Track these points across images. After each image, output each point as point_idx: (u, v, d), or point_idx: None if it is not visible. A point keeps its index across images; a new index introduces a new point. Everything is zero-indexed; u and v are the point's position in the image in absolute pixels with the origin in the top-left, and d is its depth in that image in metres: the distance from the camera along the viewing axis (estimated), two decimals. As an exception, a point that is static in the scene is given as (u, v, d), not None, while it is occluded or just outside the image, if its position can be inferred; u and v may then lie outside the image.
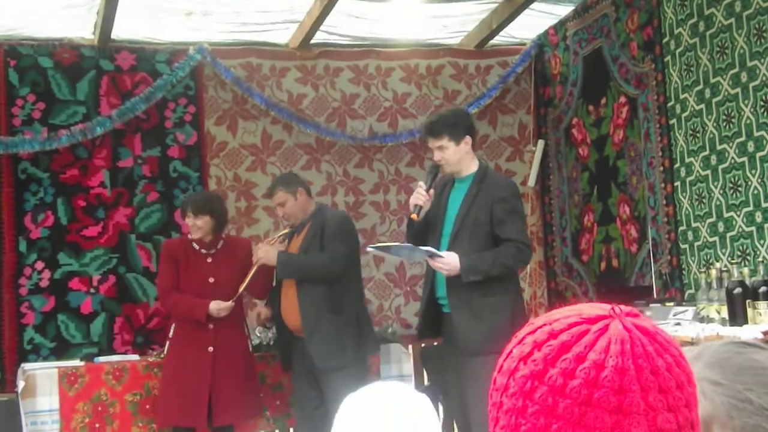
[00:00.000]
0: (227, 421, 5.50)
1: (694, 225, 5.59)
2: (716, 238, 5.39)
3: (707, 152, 5.45)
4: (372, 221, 7.05)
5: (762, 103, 4.97)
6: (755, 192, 5.06)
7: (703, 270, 5.00)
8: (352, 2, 6.39)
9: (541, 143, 7.31)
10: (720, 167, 5.34)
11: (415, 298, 7.02)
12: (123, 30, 6.42)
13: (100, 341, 6.35)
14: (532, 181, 7.31)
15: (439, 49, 7.36)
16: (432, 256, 4.61)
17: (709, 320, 4.52)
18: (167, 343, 5.64)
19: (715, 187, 5.38)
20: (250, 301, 6.15)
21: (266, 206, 6.79)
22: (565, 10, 6.92)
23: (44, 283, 6.28)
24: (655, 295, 5.72)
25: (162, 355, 5.73)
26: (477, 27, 7.12)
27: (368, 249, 5.03)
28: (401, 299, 7.08)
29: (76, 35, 6.50)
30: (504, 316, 4.60)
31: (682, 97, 5.66)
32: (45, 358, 6.14)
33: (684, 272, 5.69)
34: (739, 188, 5.18)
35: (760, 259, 4.86)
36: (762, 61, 4.97)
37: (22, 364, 5.80)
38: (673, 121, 5.75)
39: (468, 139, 4.79)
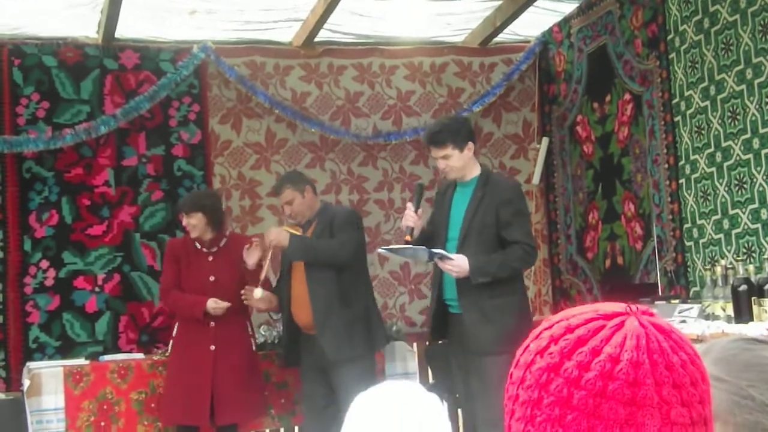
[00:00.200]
0: (230, 419, 5.49)
1: (699, 222, 5.58)
2: (721, 236, 5.38)
3: (712, 149, 5.44)
4: (376, 219, 7.05)
5: (767, 100, 4.96)
6: (760, 189, 5.05)
7: (708, 267, 4.99)
8: (356, 0, 6.39)
9: (545, 141, 7.30)
10: (725, 164, 5.32)
11: (419, 297, 7.03)
12: (127, 29, 6.42)
13: (105, 340, 6.36)
14: (536, 179, 7.30)
15: (443, 47, 7.35)
16: (442, 258, 4.71)
17: (715, 317, 4.51)
18: (171, 341, 5.66)
19: (720, 184, 5.37)
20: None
21: (270, 205, 6.80)
22: (569, 7, 6.90)
23: (49, 282, 6.29)
24: (660, 293, 5.71)
25: (167, 354, 5.74)
26: (481, 24, 7.11)
27: (379, 251, 5.08)
28: (405, 297, 7.07)
29: (80, 34, 6.50)
30: (512, 317, 4.71)
31: (687, 94, 5.65)
32: (50, 357, 6.15)
33: (689, 269, 5.68)
34: (745, 185, 5.17)
35: (766, 256, 4.84)
36: (767, 57, 4.96)
37: (28, 363, 5.80)
38: (678, 118, 5.73)
39: (471, 145, 4.89)
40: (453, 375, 5.07)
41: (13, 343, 6.18)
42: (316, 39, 6.88)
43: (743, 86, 5.14)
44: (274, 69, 6.94)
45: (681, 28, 5.68)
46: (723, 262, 4.91)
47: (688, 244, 5.69)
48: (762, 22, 4.99)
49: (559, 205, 7.25)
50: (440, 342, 6.61)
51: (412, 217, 4.85)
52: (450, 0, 6.52)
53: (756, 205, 5.09)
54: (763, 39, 4.98)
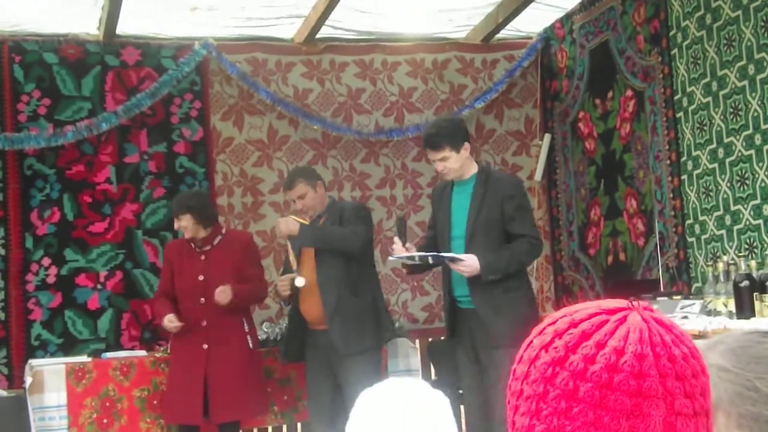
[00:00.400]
0: (225, 418, 5.47)
1: (701, 218, 5.58)
2: (723, 231, 5.37)
3: (714, 145, 5.43)
4: (378, 216, 7.04)
5: (769, 96, 4.96)
6: (762, 185, 5.04)
7: (710, 263, 4.99)
8: (357, -4, 6.40)
9: (547, 137, 7.30)
10: (727, 160, 5.32)
11: (422, 293, 7.03)
12: (128, 25, 6.42)
13: (108, 337, 6.36)
14: (538, 176, 7.29)
15: (445, 43, 7.34)
16: (453, 260, 4.81)
17: (717, 313, 4.51)
18: (170, 340, 5.69)
19: (722, 180, 5.36)
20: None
21: (272, 202, 6.80)
22: (571, 3, 6.90)
23: (51, 279, 6.29)
24: (662, 289, 5.70)
25: (168, 351, 5.75)
26: (483, 21, 7.10)
27: (390, 259, 5.11)
28: (408, 294, 7.07)
29: (81, 31, 6.49)
30: (523, 309, 4.86)
31: (689, 90, 5.64)
32: (52, 354, 6.16)
33: (691, 265, 5.67)
34: (747, 181, 5.16)
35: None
36: (769, 53, 4.96)
37: (30, 360, 5.81)
38: (680, 114, 5.73)
39: (467, 145, 4.96)
40: (460, 370, 5.12)
41: (15, 341, 6.18)
42: (318, 35, 6.87)
43: (745, 82, 5.13)
44: (276, 66, 6.93)
45: (683, 24, 5.67)
46: (725, 258, 4.90)
47: (690, 240, 5.68)
48: (764, 18, 4.98)
49: (561, 202, 7.25)
50: (442, 338, 6.64)
51: (403, 251, 4.97)
52: (451, -4, 6.52)
53: (758, 201, 5.08)
54: (766, 35, 4.98)
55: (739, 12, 5.16)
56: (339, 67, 7.09)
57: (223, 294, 5.36)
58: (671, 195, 5.83)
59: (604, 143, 6.58)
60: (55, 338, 6.26)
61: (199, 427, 5.55)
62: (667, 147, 5.86)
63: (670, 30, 5.80)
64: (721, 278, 4.61)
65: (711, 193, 5.48)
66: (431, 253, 4.93)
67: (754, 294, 4.31)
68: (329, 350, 5.30)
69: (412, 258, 5.01)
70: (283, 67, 6.95)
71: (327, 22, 6.60)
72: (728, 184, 5.32)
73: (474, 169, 5.02)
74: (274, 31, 6.85)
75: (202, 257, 5.59)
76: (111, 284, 6.41)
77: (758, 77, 5.03)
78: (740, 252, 5.07)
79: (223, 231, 5.73)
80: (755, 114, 5.07)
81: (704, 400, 1.08)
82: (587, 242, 6.86)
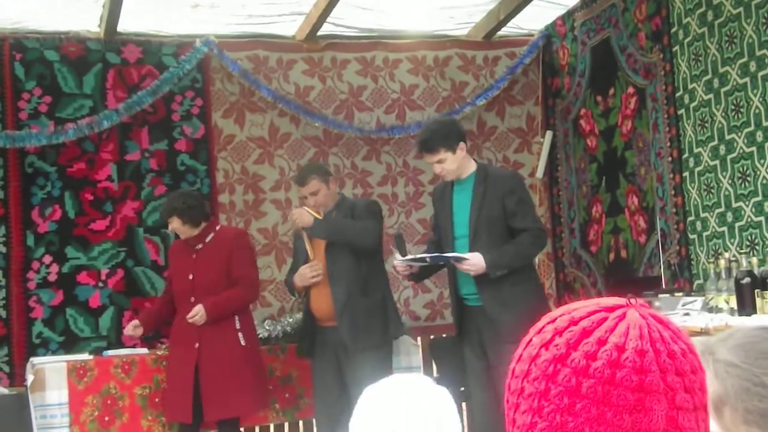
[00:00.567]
0: (217, 416, 5.42)
1: (702, 215, 5.57)
2: (725, 228, 5.37)
3: (716, 142, 5.42)
4: (380, 214, 7.04)
5: (771, 93, 4.95)
6: (764, 182, 5.04)
7: (711, 260, 4.99)
8: (359, -6, 6.39)
9: (549, 134, 7.30)
10: (728, 157, 5.31)
11: (423, 291, 7.03)
12: (129, 23, 6.41)
13: (109, 335, 6.36)
14: (540, 173, 7.29)
15: (447, 41, 7.34)
16: (458, 260, 4.85)
17: (718, 310, 4.50)
18: (169, 338, 5.73)
19: (724, 177, 5.36)
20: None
21: (274, 199, 6.80)
22: (572, 0, 6.89)
23: (52, 277, 6.29)
24: (663, 286, 5.70)
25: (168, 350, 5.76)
26: (484, 18, 7.09)
27: (395, 263, 5.12)
28: (409, 291, 7.06)
29: (82, 28, 6.49)
30: (531, 303, 4.86)
31: (690, 87, 5.63)
32: (54, 352, 6.16)
33: (693, 262, 5.67)
34: (748, 178, 5.16)
35: (770, 249, 4.84)
36: (771, 49, 4.95)
37: (31, 358, 5.80)
38: (682, 111, 5.72)
39: (462, 144, 4.98)
40: (467, 368, 5.13)
41: (16, 339, 6.18)
42: (319, 33, 6.87)
43: (747, 79, 5.13)
44: (277, 63, 6.93)
45: (685, 21, 5.67)
46: (726, 254, 4.90)
47: (691, 237, 5.68)
48: (766, 15, 4.98)
49: (562, 199, 7.24)
50: (443, 335, 6.64)
51: (406, 268, 5.07)
52: (453, -7, 6.52)
53: (759, 198, 5.08)
54: (767, 31, 4.97)
55: (741, 9, 5.16)
56: (340, 64, 7.09)
57: (197, 317, 5.35)
58: (673, 192, 5.83)
59: (605, 140, 6.58)
60: (57, 336, 6.26)
61: (199, 426, 5.55)
62: (668, 144, 5.85)
63: (671, 27, 5.80)
64: (723, 275, 4.61)
65: (712, 190, 5.47)
66: (434, 254, 4.98)
67: (756, 291, 4.31)
68: (337, 347, 5.32)
69: (417, 260, 5.03)
70: (285, 64, 6.95)
71: (328, 20, 6.60)
72: (730, 181, 5.31)
73: (472, 167, 5.04)
74: (275, 28, 6.84)
75: (194, 256, 5.56)
76: (112, 282, 6.42)
77: (760, 74, 5.03)
78: (741, 249, 5.07)
79: (217, 228, 5.66)
80: (757, 111, 5.06)
81: (702, 395, 1.09)
82: (589, 239, 6.86)
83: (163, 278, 6.28)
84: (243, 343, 5.47)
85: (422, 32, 7.22)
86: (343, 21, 6.81)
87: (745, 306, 4.32)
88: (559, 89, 7.23)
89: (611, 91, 6.47)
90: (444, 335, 6.77)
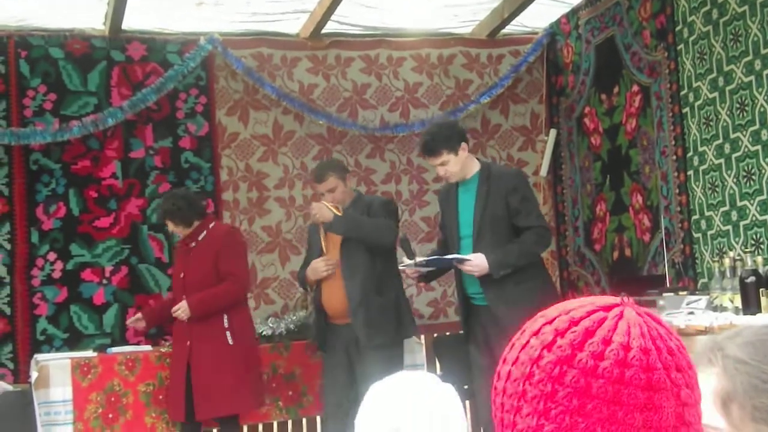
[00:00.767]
0: (204, 415, 5.43)
1: (707, 214, 5.57)
2: (729, 227, 5.37)
3: (720, 141, 5.42)
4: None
5: (776, 91, 4.95)
6: (769, 180, 5.03)
7: (716, 259, 4.98)
8: (363, -8, 6.39)
9: (553, 132, 7.29)
10: (733, 156, 5.31)
11: (427, 289, 7.02)
12: (133, 20, 6.42)
13: (113, 332, 6.37)
14: (544, 171, 7.29)
15: (451, 39, 7.33)
16: (461, 262, 4.87)
17: (723, 309, 4.50)
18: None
19: (729, 176, 5.35)
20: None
21: (278, 197, 6.80)
22: (577, -2, 6.89)
23: (57, 274, 6.29)
24: (668, 284, 5.70)
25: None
26: (488, 16, 7.09)
27: (400, 267, 5.14)
28: (413, 289, 7.06)
29: (86, 26, 6.49)
30: (536, 300, 4.79)
31: (695, 85, 5.63)
32: (58, 349, 6.16)
33: (697, 261, 5.67)
34: (753, 177, 5.15)
35: (774, 247, 4.84)
36: (776, 48, 4.94)
37: (36, 355, 5.81)
38: (686, 109, 5.72)
39: (464, 145, 5.01)
40: (472, 366, 5.15)
41: (20, 336, 6.19)
42: (324, 31, 6.87)
43: (752, 77, 5.12)
44: (282, 61, 6.93)
45: (689, 19, 5.66)
46: (731, 253, 4.89)
47: (696, 235, 5.67)
48: (771, 13, 4.97)
49: (566, 197, 7.24)
50: (447, 333, 6.65)
51: (414, 271, 5.13)
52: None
53: (764, 197, 5.07)
54: (772, 29, 4.96)
55: (746, 7, 5.15)
56: (344, 62, 7.08)
57: (180, 312, 5.42)
58: (677, 190, 5.82)
59: (609, 139, 6.57)
60: (61, 333, 6.26)
61: (200, 423, 5.56)
62: (673, 142, 5.85)
63: (676, 25, 5.79)
64: (727, 274, 4.60)
65: (717, 189, 5.46)
66: (435, 258, 5.01)
67: (761, 290, 4.31)
68: (349, 344, 5.35)
69: (421, 264, 5.04)
70: (289, 62, 6.95)
71: (332, 17, 6.60)
72: (734, 180, 5.31)
73: (476, 167, 5.06)
74: (279, 26, 6.84)
75: (187, 254, 5.63)
76: (116, 279, 6.42)
77: (765, 72, 5.02)
78: (746, 248, 5.06)
79: (211, 226, 5.67)
80: (762, 109, 5.06)
81: (698, 391, 1.10)
82: (593, 238, 6.86)
83: (168, 275, 6.35)
84: (230, 342, 5.46)
85: (426, 30, 7.22)
86: (347, 19, 6.81)
87: (750, 305, 4.32)
88: (564, 87, 7.22)
89: (615, 90, 6.47)
90: (447, 333, 6.78)
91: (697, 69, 5.60)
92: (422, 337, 6.53)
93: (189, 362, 5.42)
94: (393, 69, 7.18)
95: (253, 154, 6.82)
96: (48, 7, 6.12)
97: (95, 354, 5.79)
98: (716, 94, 5.43)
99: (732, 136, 5.31)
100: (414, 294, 7.06)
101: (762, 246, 5.06)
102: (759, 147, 5.09)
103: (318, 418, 6.31)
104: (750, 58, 5.13)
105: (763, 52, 5.03)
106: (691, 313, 4.56)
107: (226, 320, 5.48)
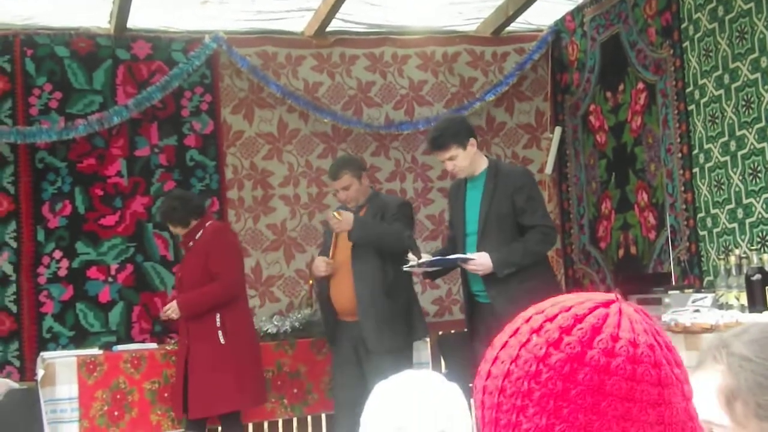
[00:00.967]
0: (196, 414, 5.43)
1: (712, 211, 5.56)
2: (735, 225, 5.36)
3: (726, 138, 5.41)
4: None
5: (782, 88, 4.94)
6: (775, 178, 5.02)
7: (722, 257, 4.97)
8: (368, -10, 6.39)
9: (558, 130, 7.28)
10: (739, 153, 5.30)
11: (432, 287, 7.02)
12: (139, 19, 6.43)
13: (119, 330, 6.38)
14: (549, 169, 7.28)
15: (455, 36, 7.33)
16: (464, 261, 4.86)
17: (729, 307, 4.49)
18: None
19: (734, 173, 5.34)
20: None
21: (282, 195, 6.81)
22: (582, -4, 6.88)
23: (62, 272, 6.31)
24: (673, 282, 5.69)
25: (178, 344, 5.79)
26: (493, 13, 7.08)
27: (404, 269, 5.13)
28: (418, 287, 7.05)
29: (92, 24, 6.50)
30: (540, 299, 4.76)
31: (700, 82, 5.62)
32: (64, 347, 6.18)
33: (703, 259, 5.66)
34: (759, 174, 5.14)
35: (780, 245, 4.83)
36: (782, 45, 4.93)
37: (42, 353, 5.83)
38: (692, 107, 5.70)
39: (472, 141, 4.99)
40: (476, 363, 5.13)
41: (27, 333, 6.20)
42: (328, 29, 6.87)
43: (757, 75, 5.11)
44: (286, 59, 6.93)
45: (695, 17, 5.65)
46: (737, 251, 4.89)
47: (701, 233, 5.66)
48: (777, 10, 4.96)
49: (571, 195, 7.23)
50: (452, 331, 6.65)
51: (420, 268, 5.10)
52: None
53: (770, 194, 5.06)
54: (778, 27, 4.96)
55: (752, 4, 5.14)
56: (349, 60, 7.08)
57: (170, 311, 5.48)
58: (683, 188, 5.81)
59: (615, 136, 6.57)
60: (67, 331, 6.28)
61: (206, 421, 5.57)
62: (678, 140, 5.84)
63: (681, 22, 5.78)
64: (733, 272, 4.60)
65: (723, 186, 5.46)
66: (438, 258, 5.01)
67: (766, 288, 4.29)
68: (357, 341, 5.35)
69: (425, 264, 5.04)
70: (294, 60, 6.95)
71: (337, 16, 6.60)
72: (740, 177, 5.30)
73: (484, 164, 5.05)
74: (284, 24, 6.85)
75: (185, 254, 5.71)
76: (122, 277, 6.43)
77: (770, 70, 5.02)
78: (752, 245, 5.06)
79: (207, 225, 5.69)
80: (767, 107, 5.05)
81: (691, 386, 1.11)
82: (598, 235, 6.85)
83: (173, 273, 6.36)
84: (222, 341, 5.44)
85: (431, 28, 7.21)
86: (351, 17, 6.81)
87: (756, 303, 4.31)
88: (569, 85, 7.21)
89: (621, 87, 6.46)
90: (452, 331, 6.78)
91: (702, 66, 5.59)
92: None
93: (187, 360, 5.45)
94: (398, 67, 7.18)
95: (258, 152, 6.82)
96: (53, 5, 6.13)
97: (101, 352, 5.82)
98: (722, 91, 5.42)
99: (738, 133, 5.30)
100: (419, 292, 7.05)
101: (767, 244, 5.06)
102: (765, 144, 5.08)
103: (323, 416, 6.31)
104: (756, 55, 5.12)
105: (768, 49, 5.02)
106: (697, 311, 4.55)
107: (218, 319, 5.45)
